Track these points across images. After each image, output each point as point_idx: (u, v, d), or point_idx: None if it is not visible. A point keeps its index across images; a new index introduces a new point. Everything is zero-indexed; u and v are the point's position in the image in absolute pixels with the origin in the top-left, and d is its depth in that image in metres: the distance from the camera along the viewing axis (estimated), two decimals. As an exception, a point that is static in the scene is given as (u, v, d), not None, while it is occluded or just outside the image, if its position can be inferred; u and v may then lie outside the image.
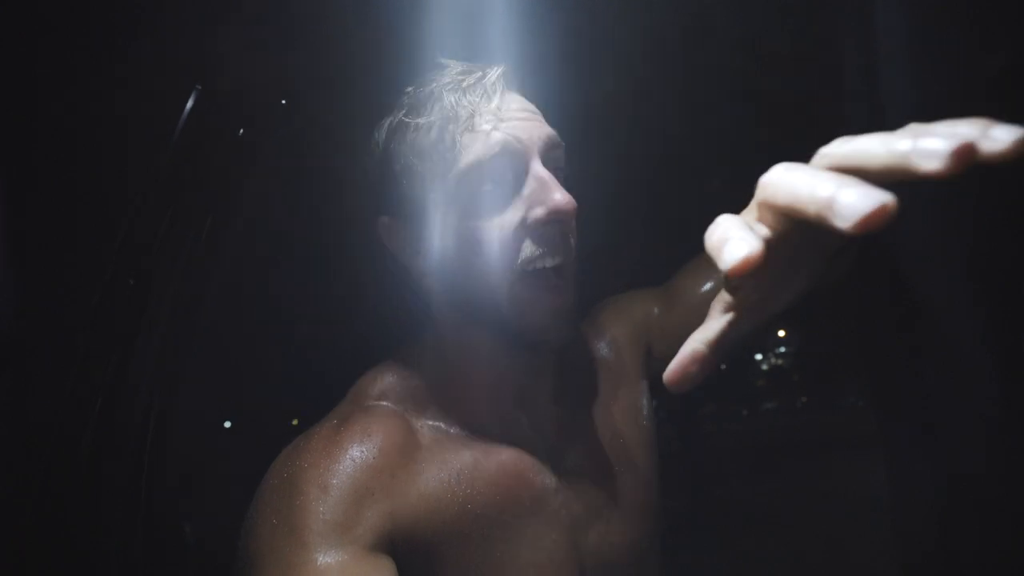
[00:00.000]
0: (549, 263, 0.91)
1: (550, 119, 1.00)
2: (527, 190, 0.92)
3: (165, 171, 1.03)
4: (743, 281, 0.57)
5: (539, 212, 0.90)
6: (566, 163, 1.00)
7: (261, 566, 0.80)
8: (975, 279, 0.89)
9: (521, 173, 0.92)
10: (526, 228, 0.91)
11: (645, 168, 1.46)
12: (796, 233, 0.52)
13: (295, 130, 1.22)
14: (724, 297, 0.59)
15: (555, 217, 0.90)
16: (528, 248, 0.91)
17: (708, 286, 1.16)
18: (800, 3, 1.21)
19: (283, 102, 1.14)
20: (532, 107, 0.98)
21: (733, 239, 0.49)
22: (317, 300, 1.36)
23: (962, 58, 0.84)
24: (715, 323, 0.58)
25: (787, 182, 0.50)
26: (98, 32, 0.98)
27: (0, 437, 0.94)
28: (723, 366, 1.18)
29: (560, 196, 0.90)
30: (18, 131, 0.94)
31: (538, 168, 0.92)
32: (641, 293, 1.26)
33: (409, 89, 0.99)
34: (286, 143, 1.22)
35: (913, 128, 0.47)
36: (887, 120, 0.93)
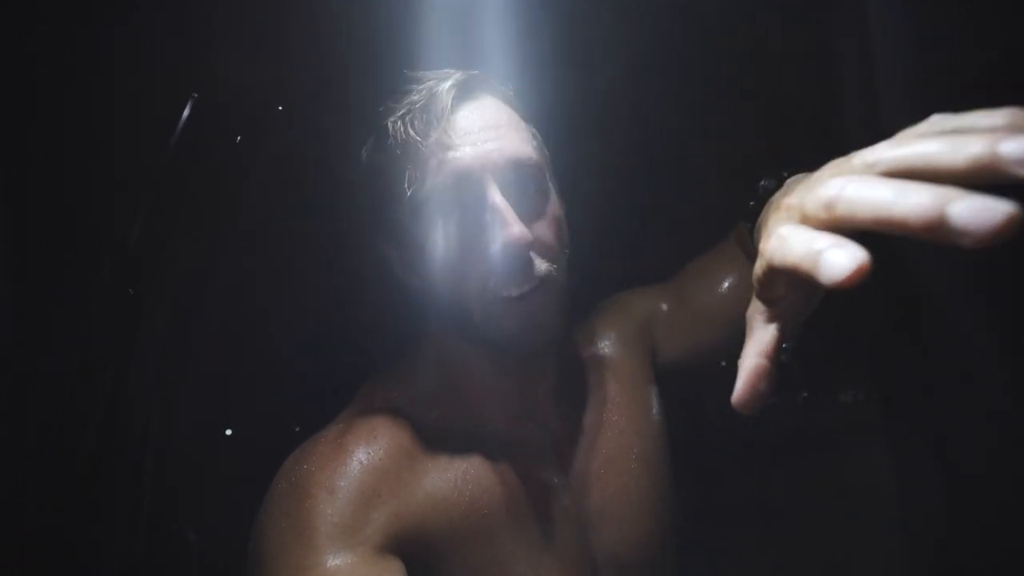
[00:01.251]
0: (514, 293, 0.90)
1: (541, 119, 0.99)
2: (482, 221, 0.89)
3: (163, 176, 1.03)
4: (782, 292, 0.56)
5: (494, 248, 0.88)
6: (548, 173, 0.98)
7: (271, 569, 0.81)
8: (979, 276, 0.89)
9: (480, 198, 0.89)
10: (486, 260, 0.89)
11: (641, 166, 1.46)
12: None
13: (298, 138, 1.22)
14: (760, 307, 0.59)
15: (509, 251, 0.87)
16: (490, 280, 0.90)
17: (717, 288, 1.16)
18: (796, 1, 1.21)
19: (280, 108, 1.14)
20: (497, 118, 0.93)
21: (831, 248, 0.45)
22: (319, 306, 1.37)
23: (957, 53, 0.84)
24: (763, 334, 0.57)
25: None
26: (95, 36, 0.98)
27: (0, 439, 0.94)
28: (723, 363, 1.19)
29: (514, 230, 0.86)
30: (16, 134, 0.94)
31: (493, 197, 0.88)
32: (645, 290, 1.26)
33: (381, 109, 0.96)
34: (290, 150, 1.22)
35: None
36: (882, 116, 0.93)
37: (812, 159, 0.72)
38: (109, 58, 0.99)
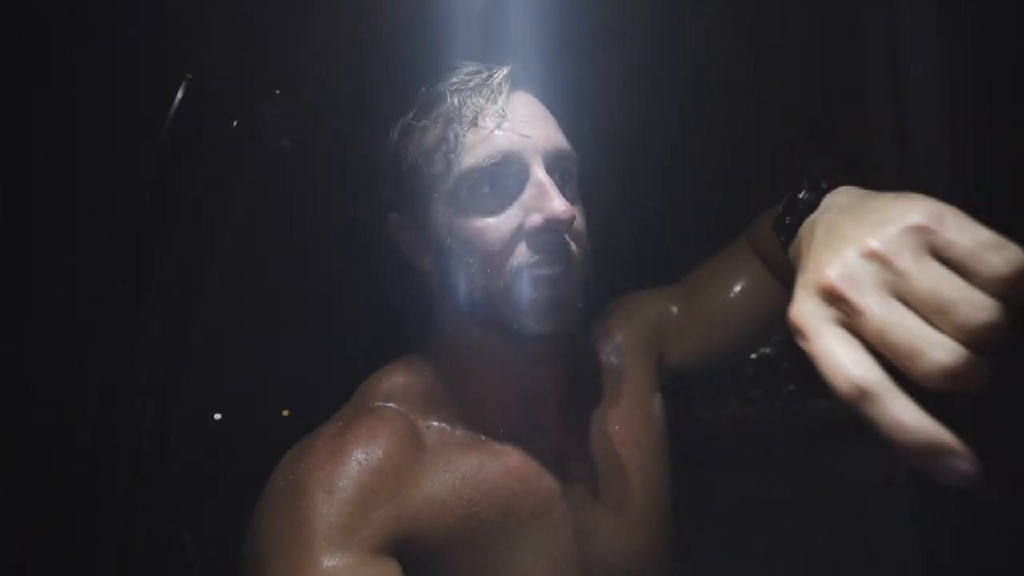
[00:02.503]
0: (545, 271, 0.90)
1: (562, 120, 0.99)
2: (526, 195, 0.91)
3: (159, 163, 1.02)
4: None
5: (536, 219, 0.89)
6: (577, 171, 0.99)
7: (267, 568, 0.80)
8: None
9: (523, 177, 0.91)
10: (523, 234, 0.90)
11: (654, 167, 1.45)
12: None
13: (300, 127, 1.21)
14: None
15: (552, 225, 0.88)
16: (524, 255, 0.90)
17: (729, 292, 1.16)
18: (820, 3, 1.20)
19: (277, 92, 1.13)
20: (543, 111, 0.97)
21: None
22: (321, 303, 1.36)
23: (980, 50, 0.83)
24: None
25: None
26: (93, 26, 0.96)
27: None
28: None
29: (558, 203, 0.88)
30: (14, 134, 0.92)
31: (539, 173, 0.90)
32: (653, 294, 1.25)
33: (423, 89, 0.98)
34: (289, 139, 1.21)
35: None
36: (906, 121, 0.92)
37: (850, 170, 0.72)
38: (103, 48, 0.98)
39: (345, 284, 1.32)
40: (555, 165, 0.93)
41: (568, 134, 0.99)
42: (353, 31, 1.15)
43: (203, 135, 1.06)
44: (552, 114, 0.99)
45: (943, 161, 0.88)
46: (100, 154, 1.02)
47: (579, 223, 0.95)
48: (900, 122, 0.93)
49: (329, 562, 0.78)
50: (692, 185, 1.50)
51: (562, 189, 0.92)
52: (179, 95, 1.03)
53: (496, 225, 0.91)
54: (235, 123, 1.08)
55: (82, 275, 0.99)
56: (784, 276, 1.09)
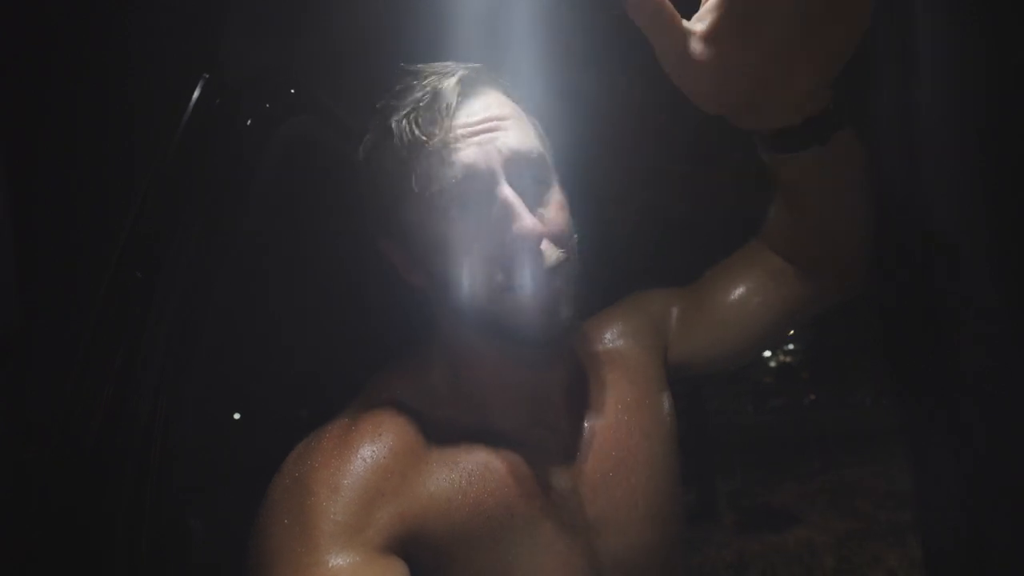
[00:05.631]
0: (528, 285, 0.88)
1: (551, 118, 0.98)
2: (493, 215, 0.88)
3: (172, 161, 1.02)
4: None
5: (504, 241, 0.87)
6: (550, 161, 0.96)
7: (272, 566, 0.80)
8: (1003, 271, 0.88)
9: (490, 193, 0.88)
10: (496, 255, 0.88)
11: (655, 167, 1.44)
12: None
13: (309, 130, 1.21)
14: None
15: (520, 245, 0.87)
16: (500, 276, 0.89)
17: (736, 293, 1.14)
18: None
19: (292, 91, 1.13)
20: (503, 111, 0.92)
21: None
22: (330, 297, 1.36)
23: (994, 47, 0.82)
24: None
25: None
26: (103, 21, 0.97)
27: (6, 431, 0.94)
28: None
29: (524, 222, 0.86)
30: (21, 121, 0.93)
31: (503, 191, 0.87)
32: (662, 291, 1.24)
33: (377, 106, 0.95)
34: (299, 141, 1.21)
35: None
36: (919, 114, 0.91)
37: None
38: (118, 44, 0.99)
39: (362, 285, 1.32)
40: (520, 169, 0.90)
41: (560, 125, 0.98)
42: (365, 30, 1.14)
43: (219, 133, 1.06)
44: (523, 106, 0.97)
45: (953, 161, 0.87)
46: (115, 151, 1.03)
47: (558, 226, 0.93)
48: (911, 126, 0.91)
49: (335, 561, 0.78)
50: (714, 191, 1.49)
51: (531, 193, 0.90)
52: (196, 93, 1.04)
53: (471, 250, 0.89)
54: (249, 122, 1.09)
55: (94, 268, 1.00)
56: (799, 265, 1.09)
